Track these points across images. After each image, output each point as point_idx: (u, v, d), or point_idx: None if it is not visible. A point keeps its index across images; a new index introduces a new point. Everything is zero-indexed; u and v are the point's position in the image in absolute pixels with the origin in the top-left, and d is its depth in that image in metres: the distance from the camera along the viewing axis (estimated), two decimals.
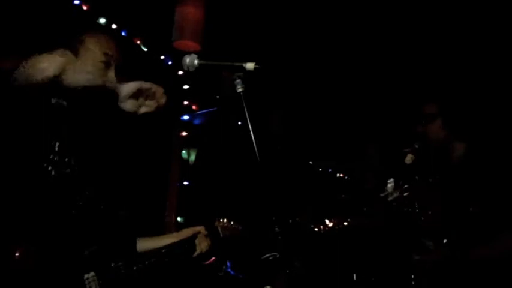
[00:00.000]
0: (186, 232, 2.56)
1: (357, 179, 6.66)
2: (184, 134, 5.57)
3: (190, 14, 4.40)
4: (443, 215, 2.71)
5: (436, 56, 5.01)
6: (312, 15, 4.99)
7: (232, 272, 4.72)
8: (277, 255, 1.81)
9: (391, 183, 2.67)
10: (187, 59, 1.90)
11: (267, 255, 1.84)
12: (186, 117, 5.63)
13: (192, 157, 5.65)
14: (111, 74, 2.25)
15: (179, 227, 5.12)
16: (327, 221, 6.48)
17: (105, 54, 2.25)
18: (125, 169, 4.34)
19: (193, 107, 5.73)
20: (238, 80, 1.85)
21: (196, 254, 2.49)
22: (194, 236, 2.52)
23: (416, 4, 4.60)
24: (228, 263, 4.74)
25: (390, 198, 2.67)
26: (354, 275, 4.67)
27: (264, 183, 1.79)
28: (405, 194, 2.65)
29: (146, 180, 4.86)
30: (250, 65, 1.84)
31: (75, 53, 2.19)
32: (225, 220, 2.66)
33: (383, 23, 4.87)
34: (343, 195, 6.23)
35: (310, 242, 5.84)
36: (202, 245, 2.51)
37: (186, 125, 5.63)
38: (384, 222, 5.46)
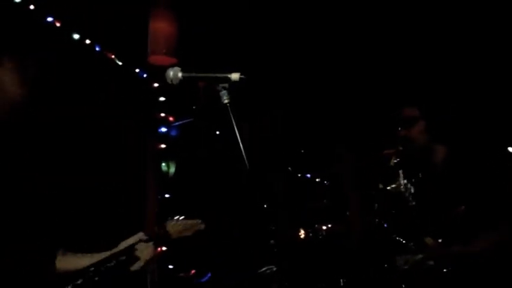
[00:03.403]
0: (121, 245, 2.33)
1: (336, 184, 6.67)
2: (162, 146, 5.52)
3: (162, 28, 4.41)
4: (431, 213, 2.75)
5: (417, 60, 5.06)
6: (279, 28, 5.02)
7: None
8: (274, 269, 1.77)
9: (401, 175, 2.67)
10: (171, 72, 1.87)
11: (264, 269, 1.81)
12: (163, 129, 5.58)
13: (172, 169, 5.60)
14: None
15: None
16: (303, 228, 6.47)
17: None
18: (103, 183, 4.28)
19: (170, 118, 5.69)
20: (224, 92, 1.83)
21: (140, 264, 2.28)
22: (131, 247, 2.28)
23: (395, 8, 4.64)
24: (208, 275, 4.62)
25: (403, 190, 2.68)
26: (341, 281, 4.66)
27: (249, 192, 1.76)
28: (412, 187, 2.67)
29: (124, 193, 4.81)
30: (235, 76, 1.82)
31: None
32: (176, 218, 2.44)
33: (360, 27, 4.91)
34: (324, 201, 6.24)
35: (292, 249, 5.82)
36: (145, 253, 2.28)
37: (163, 137, 5.58)
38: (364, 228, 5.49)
